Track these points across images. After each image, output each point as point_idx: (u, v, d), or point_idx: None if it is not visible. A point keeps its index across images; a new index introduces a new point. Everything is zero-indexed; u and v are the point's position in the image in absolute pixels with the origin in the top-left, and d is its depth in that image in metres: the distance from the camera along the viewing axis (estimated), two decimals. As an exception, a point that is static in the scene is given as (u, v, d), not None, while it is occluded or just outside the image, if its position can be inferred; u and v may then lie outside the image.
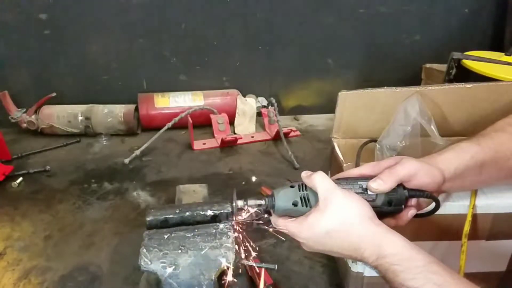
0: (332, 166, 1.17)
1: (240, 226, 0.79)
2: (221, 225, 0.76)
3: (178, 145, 1.87)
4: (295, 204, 0.70)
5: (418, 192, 0.72)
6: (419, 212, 0.77)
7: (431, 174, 0.72)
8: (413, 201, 0.76)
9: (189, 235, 0.73)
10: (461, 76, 1.65)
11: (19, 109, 1.89)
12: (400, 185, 0.72)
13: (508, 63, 1.61)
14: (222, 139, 1.79)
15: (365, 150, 1.04)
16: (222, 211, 0.78)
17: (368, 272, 0.92)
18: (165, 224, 0.77)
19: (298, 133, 1.97)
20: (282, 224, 0.72)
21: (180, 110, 1.87)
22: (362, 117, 1.10)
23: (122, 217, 1.37)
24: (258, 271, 1.00)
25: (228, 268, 0.71)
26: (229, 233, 0.74)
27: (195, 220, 0.78)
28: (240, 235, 0.79)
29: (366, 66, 2.15)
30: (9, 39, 1.90)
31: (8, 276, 1.12)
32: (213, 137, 1.91)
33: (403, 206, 0.73)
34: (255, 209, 0.75)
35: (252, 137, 1.93)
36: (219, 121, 1.92)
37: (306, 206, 0.70)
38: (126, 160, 1.69)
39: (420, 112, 1.00)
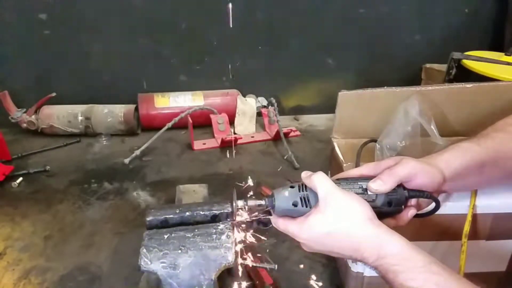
0: (332, 166, 1.16)
1: (241, 226, 0.79)
2: (221, 225, 0.76)
3: (178, 145, 1.87)
4: (295, 205, 0.70)
5: (418, 193, 0.72)
6: (419, 212, 0.77)
7: (431, 174, 0.72)
8: (413, 201, 0.76)
9: (189, 235, 0.73)
10: (461, 76, 1.65)
11: (19, 109, 1.89)
12: (400, 186, 0.72)
13: (508, 63, 1.61)
14: (222, 139, 1.79)
15: (365, 150, 1.04)
16: (222, 211, 0.78)
17: (368, 272, 0.92)
18: (165, 224, 0.77)
19: (298, 133, 1.97)
20: (282, 224, 0.71)
21: (180, 110, 1.88)
22: (362, 117, 1.10)
23: (122, 217, 1.37)
24: (258, 271, 1.00)
25: (228, 268, 0.71)
26: (229, 233, 0.74)
27: (195, 220, 0.78)
28: (240, 235, 0.79)
29: (366, 66, 2.15)
30: (9, 39, 1.90)
31: (8, 276, 1.12)
32: (213, 137, 1.91)
33: (403, 206, 0.73)
34: (255, 209, 0.75)
35: (252, 137, 1.93)
36: (219, 121, 1.92)
37: (306, 207, 0.70)
38: (126, 160, 1.69)
39: (420, 112, 1.00)
